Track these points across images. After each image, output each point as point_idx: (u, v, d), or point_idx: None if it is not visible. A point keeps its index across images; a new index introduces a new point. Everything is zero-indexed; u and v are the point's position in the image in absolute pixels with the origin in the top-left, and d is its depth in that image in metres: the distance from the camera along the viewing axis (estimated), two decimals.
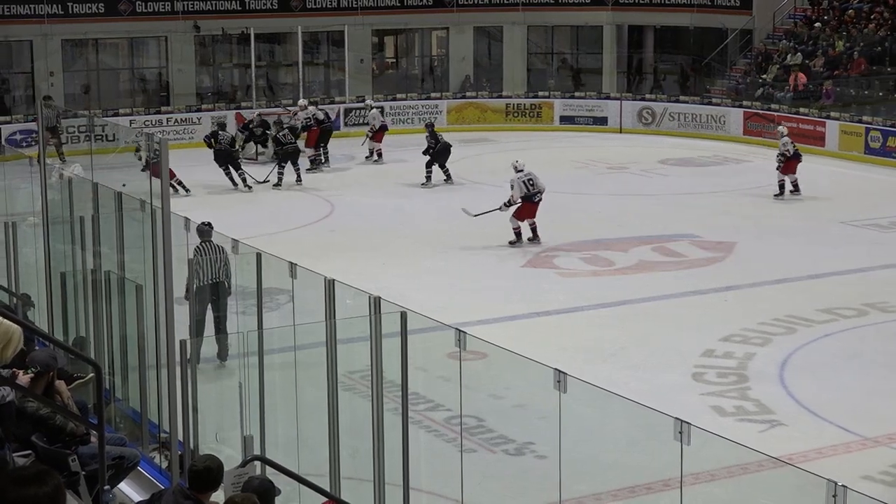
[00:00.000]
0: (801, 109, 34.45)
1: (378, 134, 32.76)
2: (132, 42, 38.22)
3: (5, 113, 34.66)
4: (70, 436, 8.82)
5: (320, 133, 32.00)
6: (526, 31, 41.72)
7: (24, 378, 8.74)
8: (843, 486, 7.12)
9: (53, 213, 14.04)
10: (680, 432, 7.84)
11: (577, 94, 39.51)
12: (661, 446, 8.38)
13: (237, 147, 32.43)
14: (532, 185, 23.53)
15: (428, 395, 14.00)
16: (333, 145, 32.96)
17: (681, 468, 8.16)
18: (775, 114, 34.83)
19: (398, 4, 40.45)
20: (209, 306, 15.53)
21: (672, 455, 8.01)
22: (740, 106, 36.23)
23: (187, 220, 13.86)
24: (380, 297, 10.07)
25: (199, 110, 36.08)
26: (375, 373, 10.20)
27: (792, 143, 27.77)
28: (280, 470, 9.39)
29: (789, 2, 39.47)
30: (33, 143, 31.53)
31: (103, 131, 29.71)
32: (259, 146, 31.85)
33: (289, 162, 29.31)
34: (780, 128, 29.26)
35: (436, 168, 29.57)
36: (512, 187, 23.64)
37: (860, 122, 32.96)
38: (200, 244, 15.58)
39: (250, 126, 32.05)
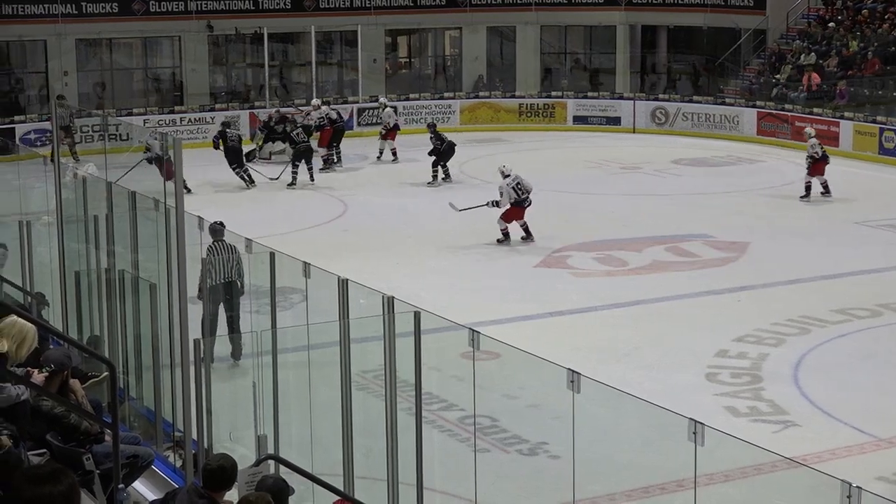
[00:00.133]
0: (815, 109, 34.39)
1: (391, 133, 32.77)
2: (146, 42, 38.29)
3: (20, 112, 34.71)
4: (84, 434, 8.83)
5: (333, 133, 32.01)
6: (539, 30, 41.69)
7: (38, 377, 8.75)
8: (857, 487, 7.10)
9: (68, 213, 14.06)
10: (694, 433, 7.84)
11: (590, 94, 39.47)
12: (675, 447, 8.36)
13: (256, 146, 32.55)
14: (521, 189, 23.52)
15: (441, 394, 14.02)
16: (347, 145, 32.98)
17: (695, 469, 8.15)
18: (789, 114, 34.79)
19: (411, 4, 40.45)
20: (221, 306, 15.55)
21: (686, 455, 8.01)
22: (754, 106, 36.18)
23: (201, 219, 13.87)
24: (393, 297, 10.07)
25: (212, 110, 36.13)
26: (389, 372, 10.21)
27: (820, 144, 27.62)
28: (294, 469, 9.39)
29: (803, 2, 39.39)
30: (47, 142, 31.57)
31: (117, 131, 29.76)
32: (280, 143, 31.72)
33: (302, 161, 29.35)
34: (807, 129, 29.06)
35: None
36: (501, 194, 23.58)
37: (874, 122, 32.91)
38: (213, 243, 15.59)
39: (270, 123, 32.08)
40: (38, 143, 32.53)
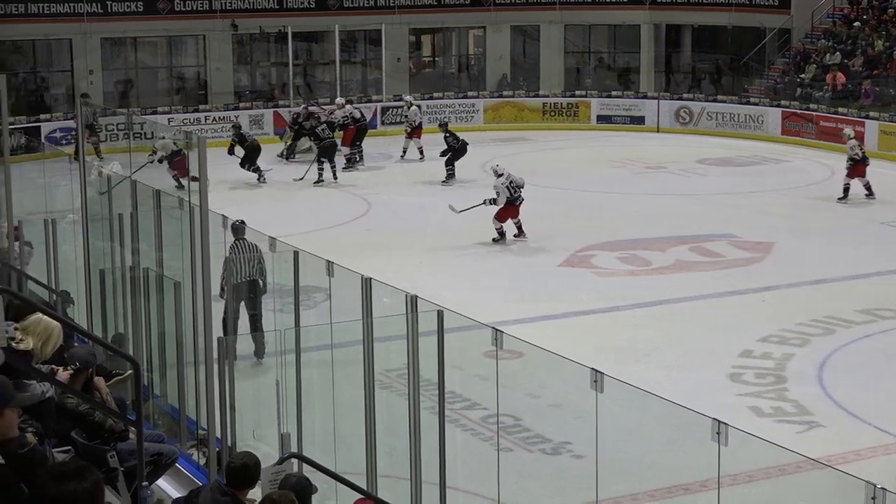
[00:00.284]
0: (840, 109, 34.28)
1: (416, 131, 32.77)
2: (170, 40, 38.40)
3: (45, 111, 34.84)
4: (109, 432, 8.86)
5: (356, 131, 32.05)
6: (563, 30, 41.64)
7: (63, 374, 8.79)
8: (882, 488, 7.09)
9: (92, 211, 14.10)
10: (717, 433, 7.84)
11: (614, 93, 39.41)
12: (699, 447, 8.35)
13: (285, 144, 32.63)
14: (514, 187, 23.54)
15: (464, 393, 14.03)
16: (371, 144, 33.01)
17: (718, 469, 8.15)
18: (813, 114, 34.68)
19: (435, 3, 40.46)
20: (243, 304, 15.58)
21: (709, 456, 8.01)
22: (778, 106, 36.06)
23: (225, 217, 13.91)
24: (416, 296, 10.08)
25: (236, 108, 36.22)
26: (412, 371, 10.22)
27: (860, 146, 27.45)
28: (317, 468, 9.40)
29: (828, 1, 39.24)
30: (72, 140, 31.68)
31: (142, 129, 29.88)
32: (307, 140, 31.68)
33: (327, 158, 29.43)
34: (846, 130, 28.86)
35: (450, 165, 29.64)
36: (498, 193, 23.57)
37: None
38: (235, 242, 15.63)
39: (299, 120, 32.16)
40: (64, 142, 32.64)
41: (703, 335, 18.14)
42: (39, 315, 8.76)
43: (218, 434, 11.25)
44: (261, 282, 16.11)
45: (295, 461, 9.33)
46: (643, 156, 33.55)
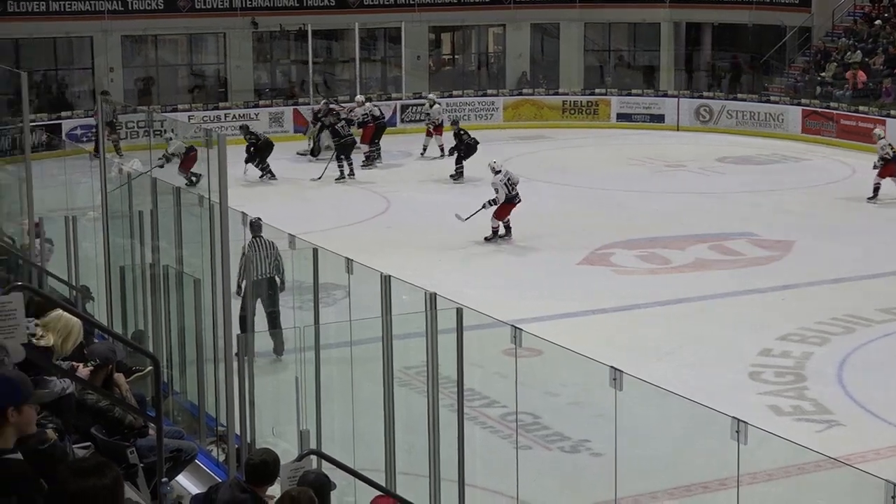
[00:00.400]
0: (861, 108, 34.21)
1: (438, 129, 32.77)
2: (191, 38, 38.50)
3: (67, 108, 34.96)
4: (129, 428, 8.89)
5: (375, 129, 32.09)
6: (583, 27, 41.63)
7: (83, 370, 8.82)
8: None
9: (113, 208, 14.16)
10: (737, 431, 7.85)
11: (633, 91, 39.37)
12: (718, 445, 8.36)
13: (310, 140, 32.71)
14: (511, 184, 23.54)
15: (483, 391, 14.02)
16: (390, 141, 33.03)
17: (737, 467, 8.15)
18: (834, 112, 34.60)
19: (455, 1, 40.49)
20: (259, 302, 15.61)
21: (729, 454, 8.01)
22: (799, 104, 35.98)
23: (244, 214, 13.97)
24: (436, 294, 10.09)
25: (256, 106, 36.31)
26: (431, 369, 10.23)
27: (890, 145, 27.28)
28: (336, 464, 9.42)
29: None
30: (93, 138, 31.78)
31: (161, 127, 29.95)
32: (327, 134, 31.69)
33: (345, 155, 29.51)
34: (876, 130, 28.67)
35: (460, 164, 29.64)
36: (497, 190, 23.57)
37: None
38: (252, 240, 15.68)
39: (319, 116, 32.25)
40: (84, 139, 32.74)
41: (722, 334, 18.12)
42: (60, 311, 8.81)
43: (237, 431, 11.27)
44: (278, 279, 16.16)
45: (314, 458, 9.35)
46: (663, 154, 33.52)
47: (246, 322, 14.77)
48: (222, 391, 11.80)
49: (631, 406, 9.11)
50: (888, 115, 33.15)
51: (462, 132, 29.82)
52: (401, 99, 37.87)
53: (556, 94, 39.61)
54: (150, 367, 9.41)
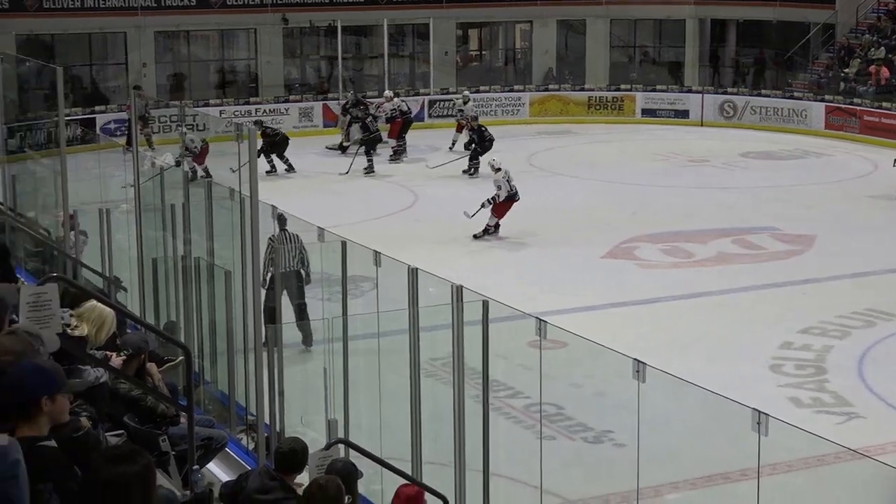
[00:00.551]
0: (884, 104, 34.19)
1: (469, 124, 32.76)
2: (222, 34, 38.72)
3: (101, 102, 35.22)
4: (161, 417, 8.94)
5: (402, 124, 32.24)
6: (609, 24, 41.67)
7: (116, 360, 8.89)
8: None
9: (145, 201, 14.31)
10: (758, 423, 7.92)
11: (658, 87, 39.40)
12: (739, 437, 8.46)
13: (342, 132, 32.87)
14: (511, 182, 23.64)
15: (508, 382, 14.16)
16: (418, 136, 33.17)
17: (758, 458, 8.24)
18: (857, 108, 34.59)
19: None
20: (285, 294, 15.71)
21: (749, 445, 8.11)
22: (822, 100, 35.97)
23: (274, 208, 14.10)
24: (462, 286, 10.16)
25: (286, 101, 36.51)
26: (457, 360, 10.29)
27: None
28: (363, 453, 9.57)
29: None
30: (126, 132, 32.00)
31: (194, 121, 30.13)
32: (356, 127, 31.81)
33: (371, 149, 29.73)
34: None
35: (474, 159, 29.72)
36: (499, 188, 23.68)
37: None
38: (279, 232, 15.83)
39: (347, 107, 32.42)
40: (118, 133, 32.98)
41: (744, 326, 18.24)
42: (94, 302, 8.89)
43: (266, 420, 11.43)
44: (303, 272, 16.35)
45: (341, 447, 9.46)
46: (687, 149, 33.56)
47: (274, 313, 14.94)
48: (252, 381, 11.95)
49: (653, 397, 9.19)
50: None
51: (483, 128, 29.91)
52: (428, 94, 38.00)
53: (582, 89, 39.65)
54: (181, 357, 9.47)
